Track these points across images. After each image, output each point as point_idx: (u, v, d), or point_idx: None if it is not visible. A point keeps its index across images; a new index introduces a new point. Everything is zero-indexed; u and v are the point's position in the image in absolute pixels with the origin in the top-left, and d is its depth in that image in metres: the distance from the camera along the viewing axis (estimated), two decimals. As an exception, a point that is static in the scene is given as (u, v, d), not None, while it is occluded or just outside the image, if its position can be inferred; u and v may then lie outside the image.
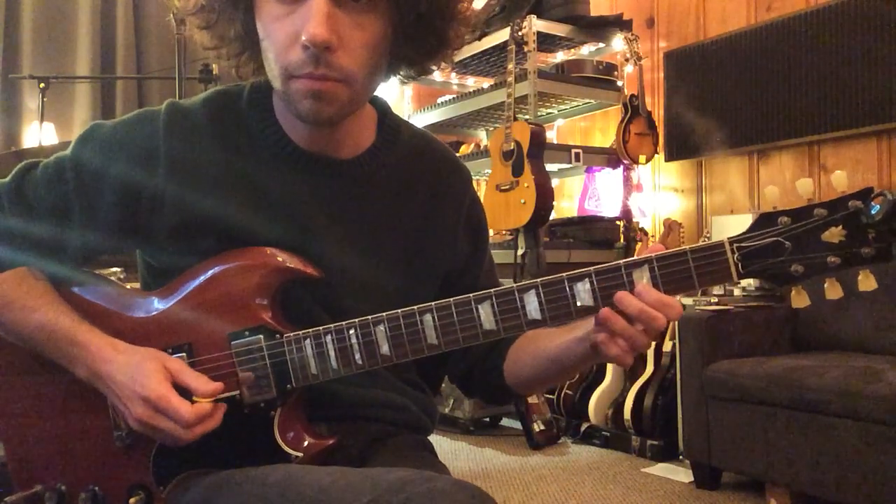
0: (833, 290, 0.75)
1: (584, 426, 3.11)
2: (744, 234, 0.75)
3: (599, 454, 2.95)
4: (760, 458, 2.24)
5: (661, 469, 2.70)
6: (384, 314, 0.83)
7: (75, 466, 0.90)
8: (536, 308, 0.79)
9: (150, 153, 0.89)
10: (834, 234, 0.72)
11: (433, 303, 0.82)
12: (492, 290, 0.80)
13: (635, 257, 0.78)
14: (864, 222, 0.71)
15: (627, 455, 2.89)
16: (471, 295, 0.81)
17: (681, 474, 2.61)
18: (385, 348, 0.83)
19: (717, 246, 0.75)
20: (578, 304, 0.79)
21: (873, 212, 0.71)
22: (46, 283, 0.91)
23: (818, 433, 2.07)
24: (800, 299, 0.77)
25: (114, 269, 1.99)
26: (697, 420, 2.44)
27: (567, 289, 0.78)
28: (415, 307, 0.82)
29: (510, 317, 0.80)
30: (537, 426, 3.07)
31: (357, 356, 0.84)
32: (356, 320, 0.84)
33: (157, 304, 0.90)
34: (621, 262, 0.77)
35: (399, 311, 0.83)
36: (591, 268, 0.78)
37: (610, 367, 3.09)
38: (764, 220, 0.75)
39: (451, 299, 0.81)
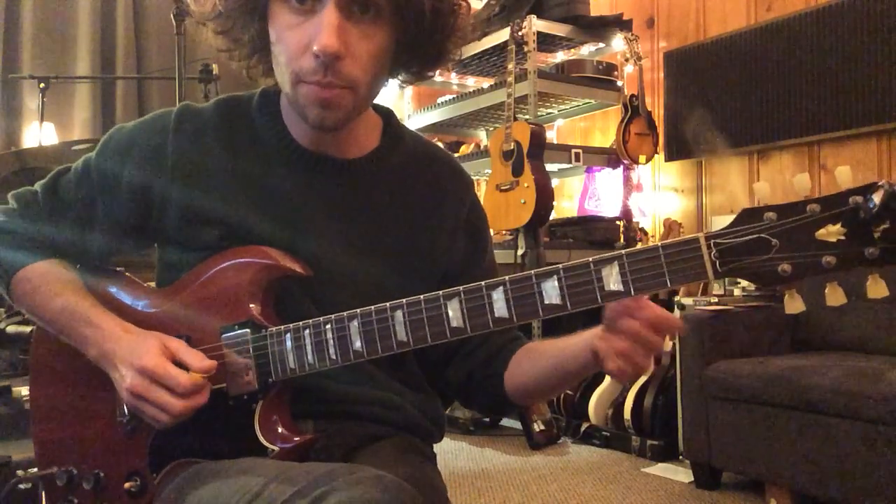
0: (834, 296, 0.68)
1: (584, 426, 3.11)
2: (723, 229, 0.70)
3: (599, 454, 2.95)
4: (760, 458, 2.24)
5: (661, 469, 2.70)
6: (358, 310, 0.84)
7: (85, 452, 0.97)
8: (503, 305, 0.77)
9: (159, 152, 0.95)
10: (831, 233, 0.65)
11: (405, 299, 0.82)
12: (461, 287, 0.80)
13: (604, 254, 0.75)
14: (863, 218, 0.64)
15: (627, 455, 2.89)
16: (440, 292, 0.80)
17: (681, 474, 2.61)
18: (358, 344, 0.84)
19: (692, 241, 0.70)
20: (546, 301, 0.76)
21: (871, 205, 0.63)
22: (74, 272, 0.99)
23: (818, 433, 2.07)
24: (793, 304, 0.70)
25: (118, 269, 1.99)
26: (697, 420, 2.44)
27: (535, 286, 0.76)
28: (387, 303, 0.83)
29: (477, 314, 0.78)
30: (537, 426, 3.07)
31: (331, 351, 0.85)
32: (333, 316, 0.85)
33: (161, 300, 0.96)
34: (590, 259, 0.74)
35: (373, 307, 0.84)
36: (560, 265, 0.75)
37: (610, 367, 3.08)
38: (747, 216, 0.69)
39: (422, 296, 0.81)
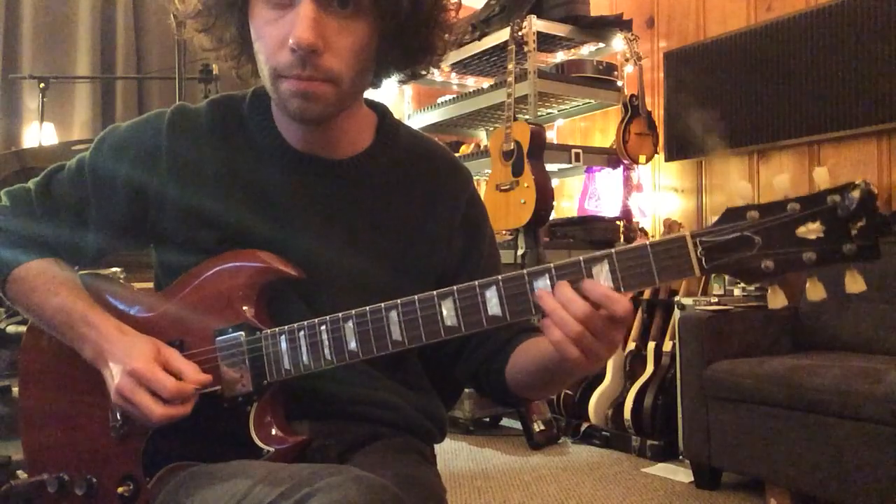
0: (814, 291, 0.71)
1: (584, 426, 3.11)
2: (708, 227, 0.73)
3: (599, 454, 2.95)
4: (760, 458, 2.24)
5: (661, 469, 2.71)
6: (353, 311, 0.84)
7: (76, 458, 0.96)
8: (497, 304, 0.78)
9: (154, 152, 0.95)
10: (811, 230, 0.68)
11: (399, 300, 0.82)
12: (454, 286, 0.80)
13: (594, 253, 0.76)
14: (840, 216, 0.67)
15: (627, 455, 2.89)
16: (434, 291, 0.81)
17: (681, 474, 2.61)
18: (353, 344, 0.84)
19: (679, 240, 0.73)
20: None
21: (848, 203, 0.67)
22: (70, 272, 0.99)
23: (818, 433, 2.07)
24: (776, 298, 0.73)
25: (114, 269, 1.99)
26: (697, 420, 2.44)
27: (528, 285, 0.77)
28: (382, 304, 0.83)
29: (471, 313, 0.79)
30: (537, 426, 3.07)
31: (326, 351, 0.85)
32: (328, 317, 0.86)
33: (156, 304, 0.96)
34: (580, 257, 0.76)
35: (367, 307, 0.84)
36: (552, 263, 0.77)
37: (610, 367, 3.09)
38: (731, 215, 0.72)
39: (416, 296, 0.81)
